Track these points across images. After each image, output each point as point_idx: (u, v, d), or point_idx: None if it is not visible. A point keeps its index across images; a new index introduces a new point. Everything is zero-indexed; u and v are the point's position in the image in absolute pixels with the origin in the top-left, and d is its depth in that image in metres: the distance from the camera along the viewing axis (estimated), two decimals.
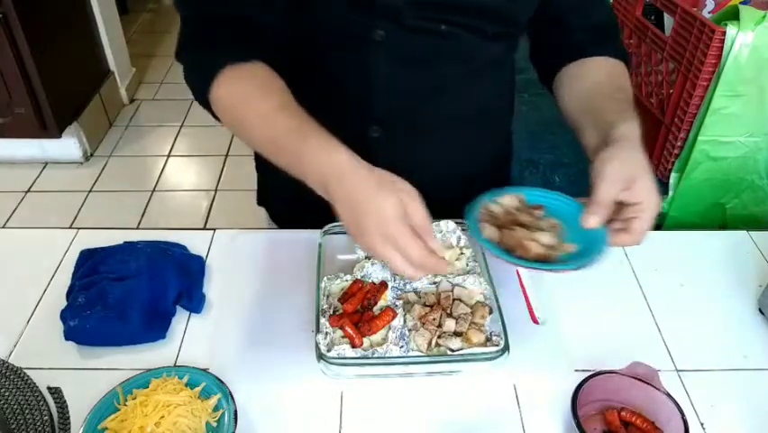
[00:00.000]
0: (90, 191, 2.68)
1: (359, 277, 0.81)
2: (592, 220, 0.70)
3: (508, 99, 1.00)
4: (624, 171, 0.69)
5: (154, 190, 2.72)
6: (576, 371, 0.76)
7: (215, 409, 0.69)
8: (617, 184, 0.69)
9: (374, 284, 0.79)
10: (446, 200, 0.75)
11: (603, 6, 0.93)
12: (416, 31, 0.81)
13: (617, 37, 0.93)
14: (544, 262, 0.70)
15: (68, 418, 0.68)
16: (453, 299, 0.79)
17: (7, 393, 0.70)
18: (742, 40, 0.98)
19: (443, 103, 0.88)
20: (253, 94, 0.75)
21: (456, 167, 0.95)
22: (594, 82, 0.87)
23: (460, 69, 0.86)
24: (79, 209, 2.58)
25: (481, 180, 0.83)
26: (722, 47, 1.00)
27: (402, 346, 0.73)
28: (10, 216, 2.53)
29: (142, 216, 2.58)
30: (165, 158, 2.93)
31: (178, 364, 0.78)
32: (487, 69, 0.89)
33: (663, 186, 1.21)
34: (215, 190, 2.72)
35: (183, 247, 0.93)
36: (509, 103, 1.01)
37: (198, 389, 0.70)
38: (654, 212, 0.70)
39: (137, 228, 2.37)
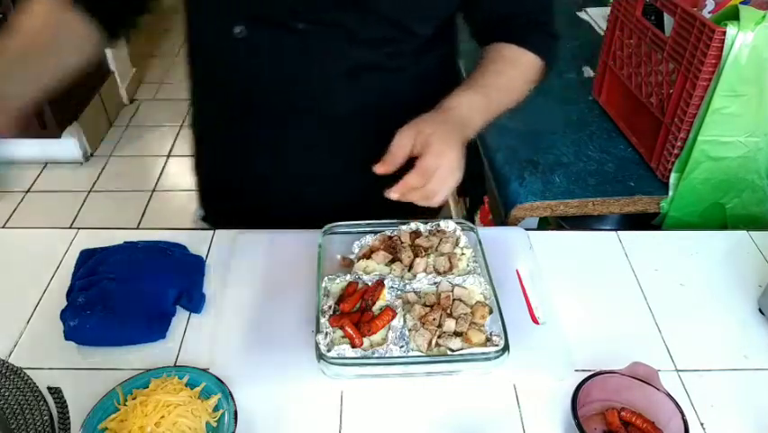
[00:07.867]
0: (90, 191, 2.69)
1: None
2: (379, 167, 0.72)
3: (414, 101, 0.82)
4: (422, 133, 0.72)
5: (154, 190, 2.72)
6: (576, 371, 0.76)
7: (215, 409, 0.69)
8: (409, 138, 0.72)
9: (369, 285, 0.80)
10: (342, 204, 0.76)
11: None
12: (277, 27, 0.79)
13: (544, 29, 0.92)
14: None
15: (68, 418, 0.68)
16: (453, 299, 0.79)
17: (7, 393, 0.70)
18: (742, 40, 0.98)
19: (315, 102, 0.86)
20: None
21: (350, 169, 0.86)
22: (489, 60, 0.88)
23: (330, 71, 0.83)
24: (79, 209, 2.58)
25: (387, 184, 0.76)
26: (722, 47, 1.00)
27: (402, 346, 0.73)
28: (10, 216, 2.53)
29: (142, 216, 2.58)
30: (165, 158, 2.93)
31: (178, 364, 0.78)
32: (369, 72, 0.85)
33: (663, 186, 1.21)
34: None
35: (183, 247, 0.93)
36: (416, 105, 0.82)
37: (198, 389, 0.70)
38: (443, 174, 0.72)
39: (137, 228, 2.37)
